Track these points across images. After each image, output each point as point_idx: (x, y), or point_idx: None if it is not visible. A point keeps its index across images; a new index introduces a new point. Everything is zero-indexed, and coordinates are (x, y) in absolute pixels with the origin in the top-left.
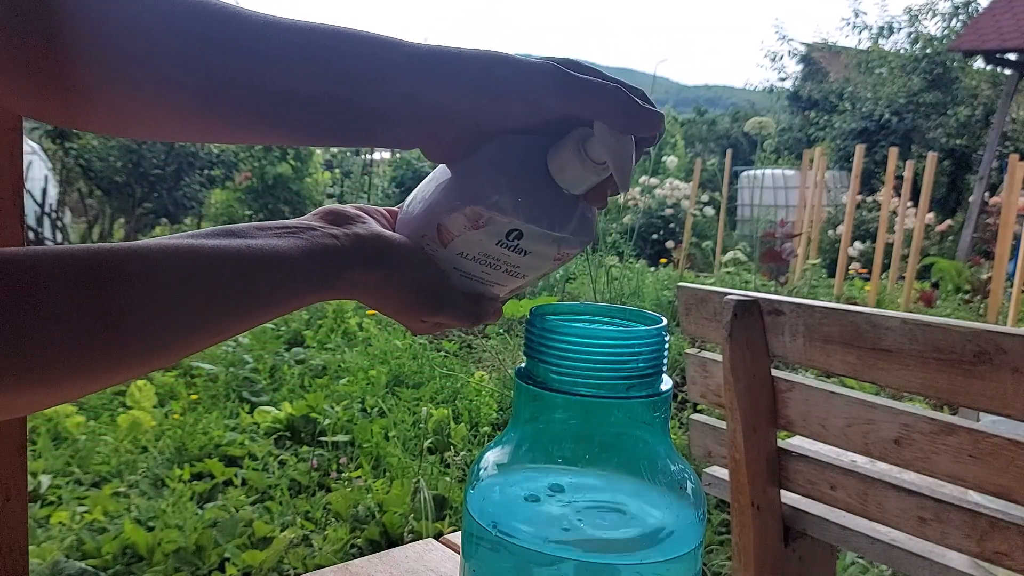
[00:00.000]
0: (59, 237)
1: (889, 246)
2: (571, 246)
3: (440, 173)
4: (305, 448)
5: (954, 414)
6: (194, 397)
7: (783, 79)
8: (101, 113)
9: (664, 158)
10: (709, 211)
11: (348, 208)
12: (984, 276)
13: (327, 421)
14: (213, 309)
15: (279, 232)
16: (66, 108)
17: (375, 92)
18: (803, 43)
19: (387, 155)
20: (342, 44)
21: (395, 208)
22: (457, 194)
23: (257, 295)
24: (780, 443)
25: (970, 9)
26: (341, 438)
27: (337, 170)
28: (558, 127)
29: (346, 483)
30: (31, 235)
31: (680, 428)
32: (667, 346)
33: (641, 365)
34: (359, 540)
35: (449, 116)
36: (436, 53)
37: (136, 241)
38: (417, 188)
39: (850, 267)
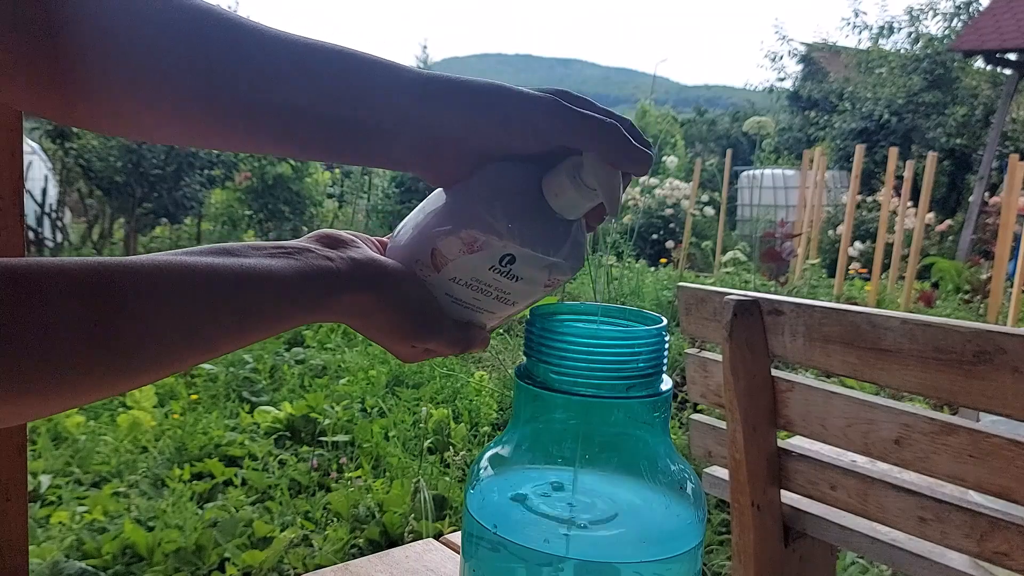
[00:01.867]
0: (59, 237)
1: (889, 246)
2: (562, 271)
3: (433, 200)
4: (305, 448)
5: (954, 414)
6: (194, 397)
7: (783, 79)
8: (99, 111)
9: (664, 158)
10: (709, 211)
11: (343, 233)
12: (984, 276)
13: (327, 421)
14: (205, 326)
15: (274, 252)
16: (64, 104)
17: (377, 113)
18: (803, 43)
19: None
20: (347, 63)
21: (384, 239)
22: (452, 218)
23: (249, 314)
24: (780, 443)
25: (970, 9)
26: (341, 438)
27: (337, 170)
28: (551, 157)
29: (346, 483)
30: (31, 235)
31: (680, 428)
32: (667, 346)
33: (641, 365)
34: (359, 540)
35: (448, 140)
36: (439, 79)
37: (131, 256)
38: (408, 217)
39: (850, 267)
